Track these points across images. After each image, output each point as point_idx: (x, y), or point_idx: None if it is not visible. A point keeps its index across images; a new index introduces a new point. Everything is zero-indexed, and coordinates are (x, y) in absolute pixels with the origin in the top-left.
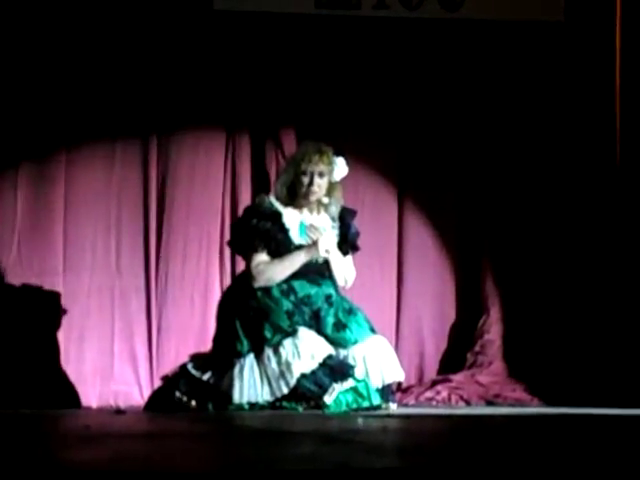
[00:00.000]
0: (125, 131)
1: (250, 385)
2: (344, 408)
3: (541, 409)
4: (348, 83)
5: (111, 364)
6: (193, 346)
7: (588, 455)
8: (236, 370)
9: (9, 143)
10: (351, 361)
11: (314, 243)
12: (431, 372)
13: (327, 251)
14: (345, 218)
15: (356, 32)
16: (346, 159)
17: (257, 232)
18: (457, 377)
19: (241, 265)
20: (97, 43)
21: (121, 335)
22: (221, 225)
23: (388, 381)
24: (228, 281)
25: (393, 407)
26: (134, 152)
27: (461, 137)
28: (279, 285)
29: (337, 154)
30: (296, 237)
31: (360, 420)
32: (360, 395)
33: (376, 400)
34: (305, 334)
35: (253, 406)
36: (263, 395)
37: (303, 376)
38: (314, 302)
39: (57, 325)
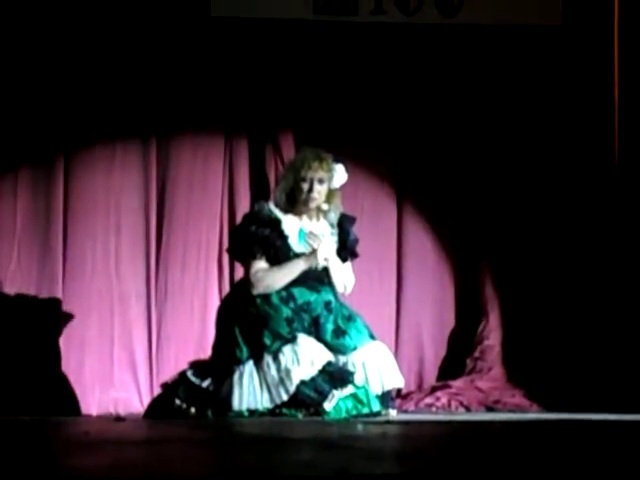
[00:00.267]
0: (124, 138)
1: (250, 392)
2: (344, 414)
3: (540, 415)
4: (346, 89)
5: (111, 371)
6: (193, 353)
7: (587, 461)
8: (235, 377)
9: (8, 149)
10: (350, 367)
11: (313, 251)
12: (431, 378)
13: (326, 259)
14: (344, 225)
15: (354, 38)
16: (345, 165)
17: (256, 239)
18: (457, 383)
19: (240, 272)
20: (97, 49)
21: (121, 342)
22: (220, 231)
23: (388, 387)
24: (227, 288)
25: (393, 413)
26: (133, 159)
27: (460, 142)
28: (278, 292)
29: (336, 161)
30: (295, 244)
31: (360, 426)
32: (360, 401)
33: (376, 406)
34: (304, 341)
35: (253, 413)
36: (263, 402)
37: (303, 383)
38: (313, 309)
39: (57, 332)
